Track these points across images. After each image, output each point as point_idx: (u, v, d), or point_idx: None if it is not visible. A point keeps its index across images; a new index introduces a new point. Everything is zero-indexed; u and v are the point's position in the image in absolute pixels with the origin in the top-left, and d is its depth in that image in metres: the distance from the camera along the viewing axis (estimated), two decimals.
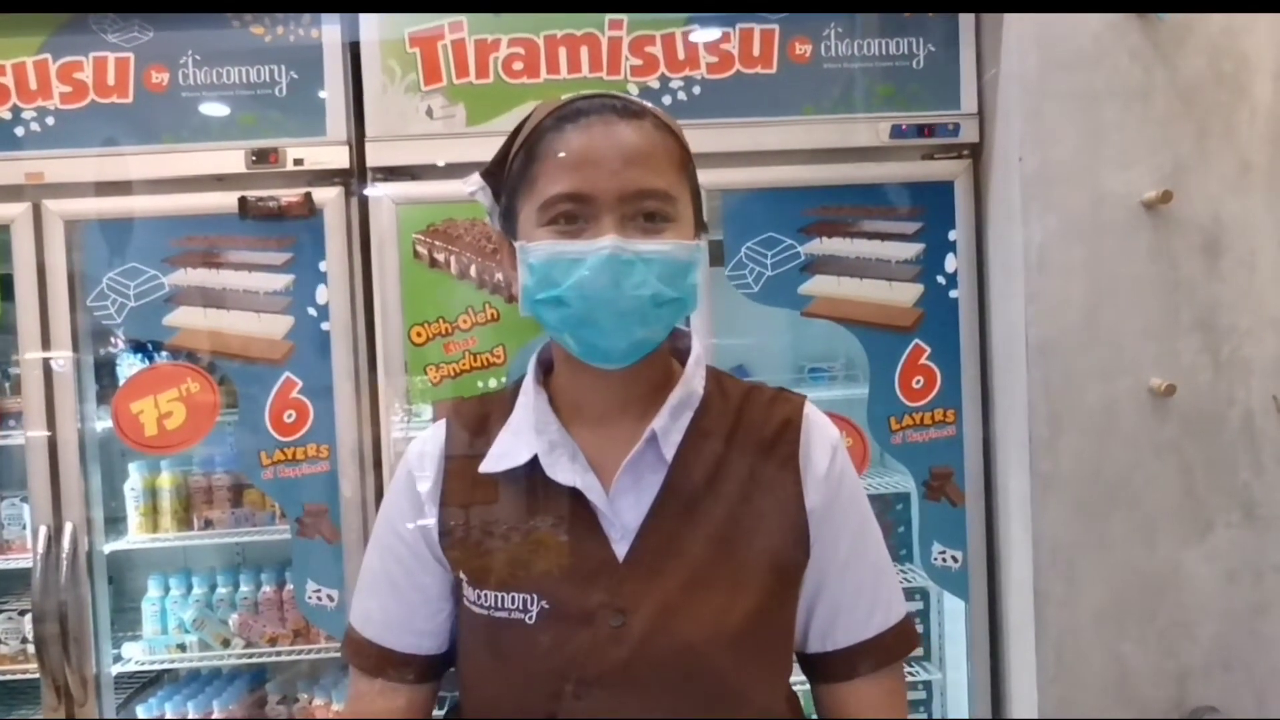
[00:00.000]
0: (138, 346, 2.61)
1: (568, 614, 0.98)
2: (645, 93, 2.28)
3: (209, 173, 2.30)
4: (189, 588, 2.61)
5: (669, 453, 1.01)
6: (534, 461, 1.02)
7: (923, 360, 2.32)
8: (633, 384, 1.03)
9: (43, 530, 2.28)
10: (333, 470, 2.32)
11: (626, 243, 0.94)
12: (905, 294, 2.32)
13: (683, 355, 1.09)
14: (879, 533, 1.11)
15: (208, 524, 2.60)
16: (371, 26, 2.28)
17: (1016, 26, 2.07)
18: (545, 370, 1.10)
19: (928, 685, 2.61)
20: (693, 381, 1.05)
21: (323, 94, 2.30)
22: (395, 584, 1.09)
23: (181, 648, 2.55)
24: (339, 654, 2.36)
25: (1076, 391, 2.05)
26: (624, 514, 1.00)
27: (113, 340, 2.60)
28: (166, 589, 2.59)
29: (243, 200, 2.26)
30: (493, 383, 2.29)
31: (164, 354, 2.49)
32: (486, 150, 2.50)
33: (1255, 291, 2.06)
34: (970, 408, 2.33)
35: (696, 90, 2.29)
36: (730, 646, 0.96)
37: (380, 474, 2.33)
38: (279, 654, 2.53)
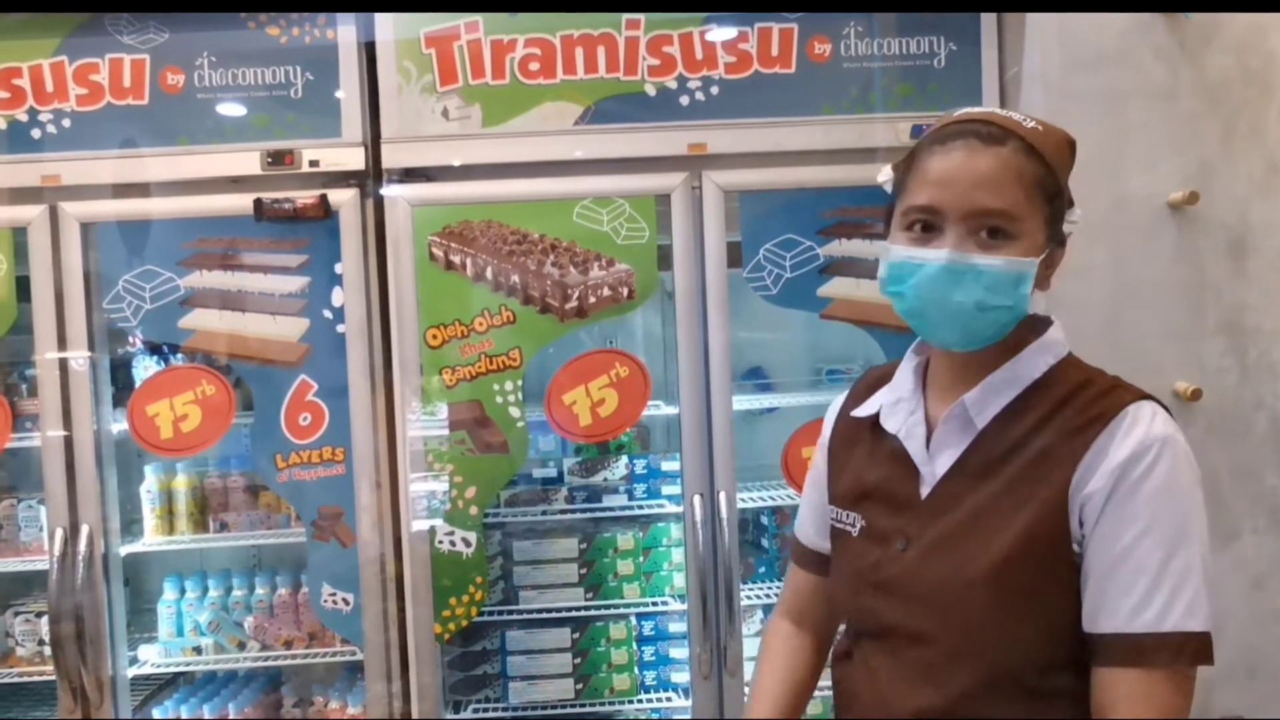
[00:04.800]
0: (153, 348, 2.61)
1: (875, 534, 1.24)
2: (662, 92, 2.27)
3: (224, 174, 2.30)
4: (204, 590, 2.61)
5: (980, 422, 1.18)
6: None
7: None
8: (971, 363, 1.20)
9: (59, 532, 2.29)
10: (348, 473, 2.31)
11: (961, 256, 1.12)
12: None
13: (1032, 340, 1.21)
14: (1194, 548, 1.10)
15: (223, 526, 2.60)
16: (387, 27, 2.27)
17: (1039, 25, 2.05)
18: None
19: None
20: (1023, 364, 1.18)
21: (338, 95, 2.29)
22: (809, 489, 1.43)
23: (197, 650, 2.55)
24: (354, 657, 2.37)
25: None
26: (935, 464, 1.20)
27: (129, 342, 2.60)
28: (182, 591, 2.60)
29: (258, 202, 2.26)
30: (509, 385, 2.28)
31: (179, 356, 2.49)
32: (503, 151, 2.48)
33: None
34: None
35: (714, 90, 2.27)
36: (980, 587, 1.13)
37: (396, 477, 2.32)
38: (294, 657, 2.53)
